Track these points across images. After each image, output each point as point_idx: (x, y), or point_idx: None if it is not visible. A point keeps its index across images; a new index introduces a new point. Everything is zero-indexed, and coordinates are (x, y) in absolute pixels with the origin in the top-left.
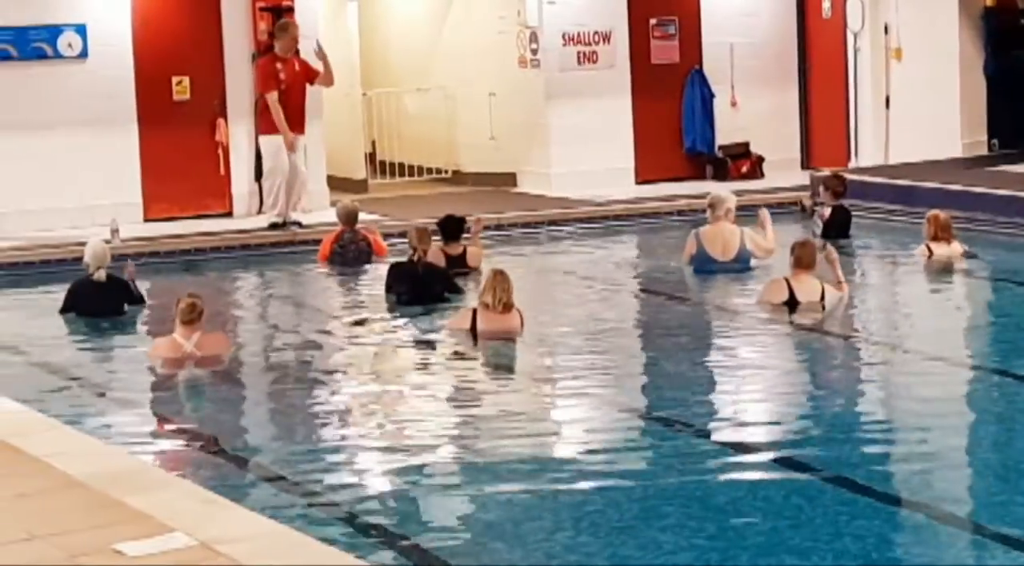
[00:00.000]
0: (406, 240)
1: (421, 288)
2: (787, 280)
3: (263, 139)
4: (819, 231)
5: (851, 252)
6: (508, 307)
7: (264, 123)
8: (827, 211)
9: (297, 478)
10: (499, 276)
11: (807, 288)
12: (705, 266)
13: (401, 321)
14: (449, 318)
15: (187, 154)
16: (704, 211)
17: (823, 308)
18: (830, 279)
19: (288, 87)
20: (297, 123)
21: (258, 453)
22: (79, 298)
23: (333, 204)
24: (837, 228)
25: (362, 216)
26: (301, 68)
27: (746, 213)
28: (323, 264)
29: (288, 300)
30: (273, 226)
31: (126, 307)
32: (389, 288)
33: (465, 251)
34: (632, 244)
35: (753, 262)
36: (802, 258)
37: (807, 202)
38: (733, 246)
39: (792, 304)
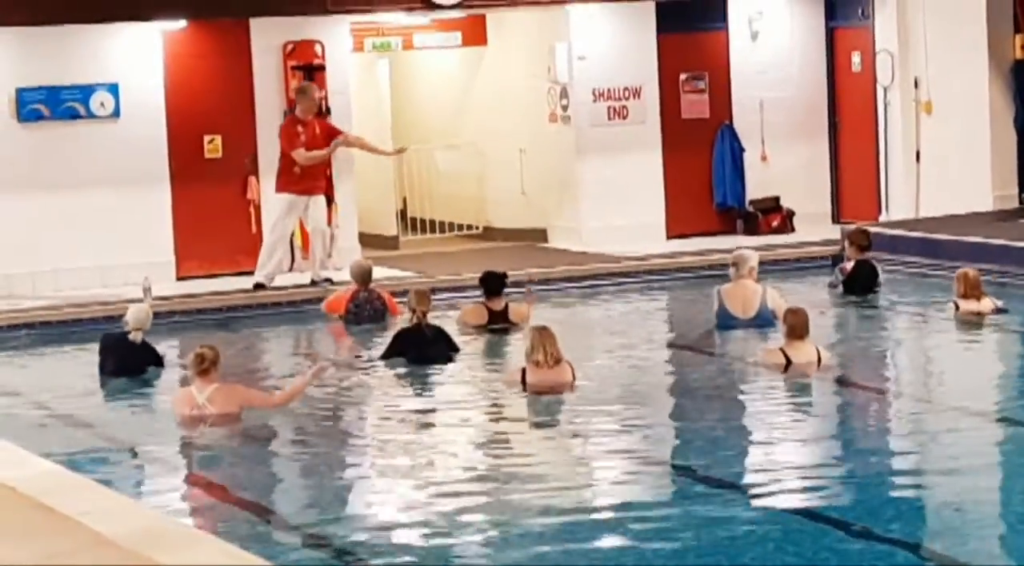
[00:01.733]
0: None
1: (430, 349)
2: (782, 350)
3: (277, 197)
4: (838, 283)
5: (877, 306)
6: (558, 361)
7: (280, 182)
8: (850, 265)
9: (328, 535)
10: (545, 333)
11: (802, 355)
12: (727, 323)
13: (423, 377)
14: (498, 374)
15: (219, 212)
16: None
17: (819, 367)
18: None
19: (308, 148)
20: (317, 183)
21: (288, 510)
22: (109, 353)
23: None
24: (863, 282)
25: (395, 273)
26: (322, 130)
27: (778, 268)
28: (332, 315)
29: (317, 357)
30: (257, 286)
31: (148, 369)
32: (391, 354)
33: (507, 306)
34: (663, 299)
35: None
36: (795, 328)
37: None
38: (753, 305)
39: (788, 366)
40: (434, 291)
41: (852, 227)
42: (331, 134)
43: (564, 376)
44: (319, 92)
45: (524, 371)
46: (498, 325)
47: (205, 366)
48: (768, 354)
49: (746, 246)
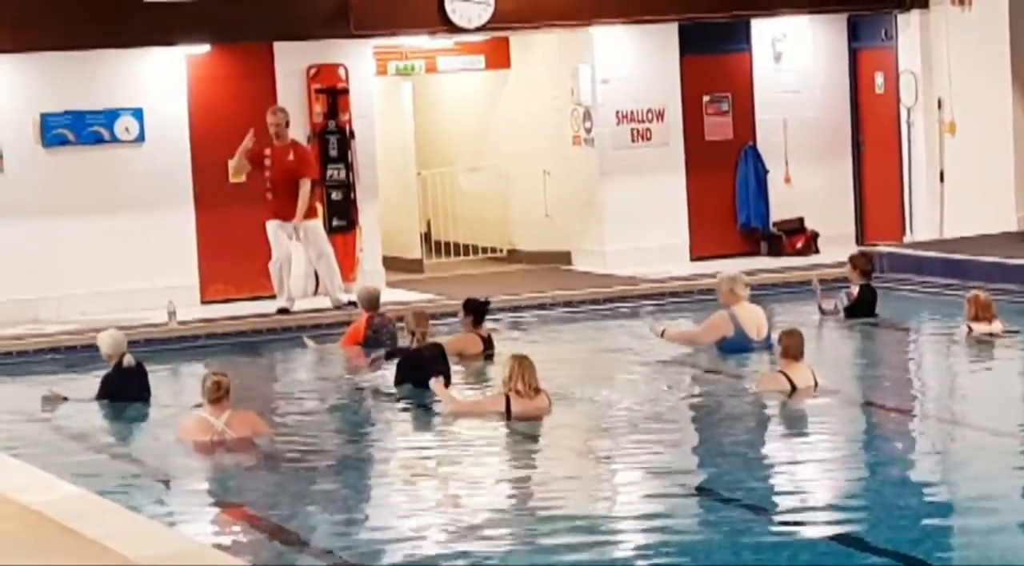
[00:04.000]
0: (403, 324)
1: (431, 370)
2: (783, 373)
3: (267, 224)
4: (841, 307)
5: (892, 329)
6: (538, 390)
7: (266, 209)
8: (855, 290)
9: (356, 561)
10: (525, 362)
11: (802, 376)
12: (743, 346)
13: (433, 403)
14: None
15: (243, 236)
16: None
17: (815, 388)
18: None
19: (274, 171)
20: (288, 209)
21: (315, 534)
22: (117, 388)
23: (389, 284)
24: (864, 307)
25: (418, 296)
26: (295, 157)
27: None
28: (350, 348)
29: (339, 380)
30: (281, 311)
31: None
32: (400, 380)
33: (489, 334)
34: (689, 321)
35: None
36: (789, 348)
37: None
38: (764, 326)
39: (792, 389)
40: (458, 314)
41: (854, 252)
42: (301, 165)
43: (543, 403)
44: (275, 117)
45: (507, 399)
46: (489, 351)
47: (220, 394)
48: (770, 380)
49: (771, 267)
